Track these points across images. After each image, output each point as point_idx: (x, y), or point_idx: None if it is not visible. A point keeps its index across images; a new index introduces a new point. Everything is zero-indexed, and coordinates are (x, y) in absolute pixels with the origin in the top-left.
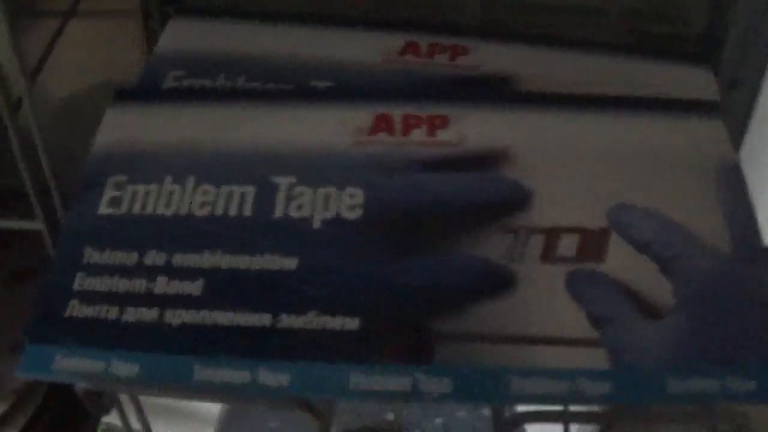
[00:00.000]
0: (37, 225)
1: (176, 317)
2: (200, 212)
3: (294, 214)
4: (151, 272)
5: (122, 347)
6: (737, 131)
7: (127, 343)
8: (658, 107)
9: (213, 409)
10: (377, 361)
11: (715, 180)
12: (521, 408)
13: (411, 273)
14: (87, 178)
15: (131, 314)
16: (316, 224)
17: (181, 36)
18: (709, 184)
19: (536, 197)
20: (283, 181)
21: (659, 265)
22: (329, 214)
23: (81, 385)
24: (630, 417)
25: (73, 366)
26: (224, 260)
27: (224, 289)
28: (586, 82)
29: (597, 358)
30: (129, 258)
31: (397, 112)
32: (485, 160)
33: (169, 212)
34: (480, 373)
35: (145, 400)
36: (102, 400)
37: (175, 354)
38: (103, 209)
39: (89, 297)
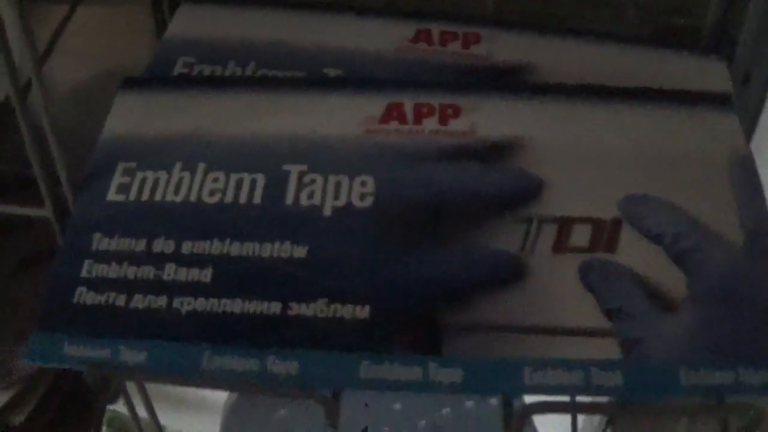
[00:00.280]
0: (46, 212)
1: (185, 305)
2: (210, 200)
3: (304, 202)
4: (160, 259)
5: (130, 334)
6: (748, 127)
7: (136, 330)
8: (672, 99)
9: (220, 398)
10: (388, 350)
11: (728, 172)
12: (528, 399)
13: (422, 262)
14: (96, 164)
15: (140, 301)
16: (327, 212)
17: (191, 22)
18: (722, 176)
19: (548, 187)
20: (293, 169)
21: (672, 257)
22: (340, 203)
23: (89, 372)
24: (640, 408)
25: (80, 353)
26: (234, 248)
27: (234, 276)
28: (598, 73)
29: (609, 349)
30: (138, 245)
31: (409, 101)
32: (497, 150)
33: (178, 199)
34: (491, 363)
35: (152, 388)
36: (109, 388)
37: (184, 341)
38: (112, 196)
39: (97, 284)
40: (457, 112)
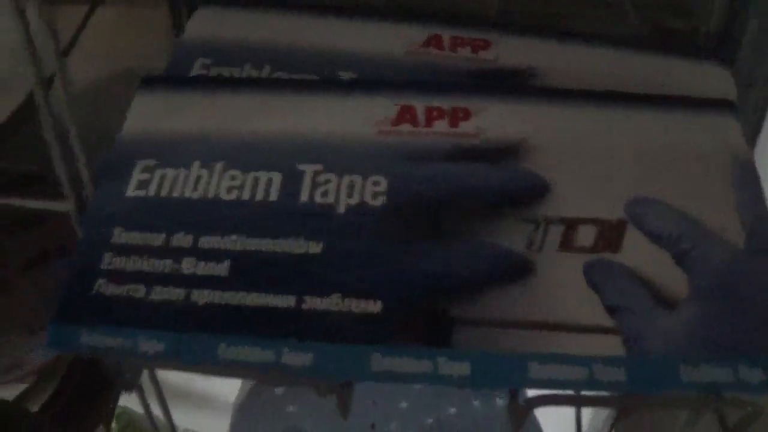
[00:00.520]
0: (67, 206)
1: (202, 297)
2: (227, 196)
3: (319, 200)
4: (178, 253)
5: (148, 325)
6: (752, 130)
7: (153, 321)
8: (675, 104)
9: (229, 395)
10: (399, 343)
11: (730, 176)
12: (531, 392)
13: (432, 259)
14: (115, 161)
15: (158, 293)
16: (341, 210)
17: (208, 24)
18: (724, 179)
19: (555, 189)
20: (308, 169)
21: (674, 257)
22: (353, 201)
23: (107, 361)
24: (641, 402)
25: (98, 342)
26: (250, 243)
27: (250, 270)
28: (604, 77)
29: (612, 346)
30: (156, 239)
31: (420, 104)
32: (506, 152)
33: (196, 195)
34: (498, 357)
35: (163, 384)
36: (126, 377)
37: (201, 333)
38: (132, 191)
39: (116, 276)
40: (466, 115)
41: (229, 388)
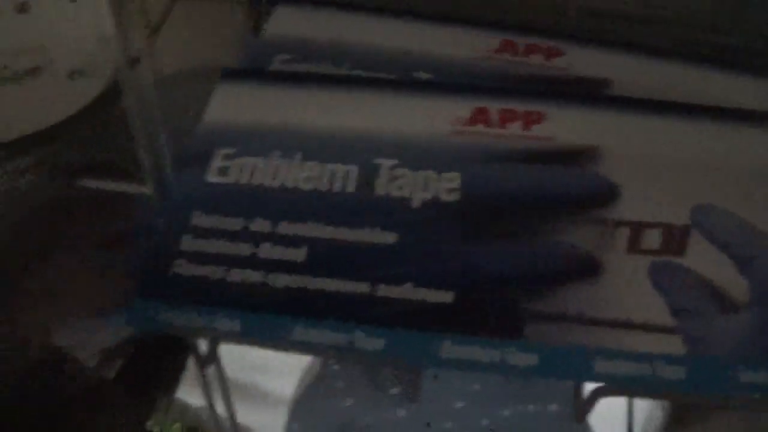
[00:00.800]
0: (147, 189)
1: (279, 280)
2: (305, 186)
3: (394, 193)
4: (256, 238)
5: (225, 304)
6: None
7: (231, 300)
8: (744, 117)
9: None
10: (469, 333)
11: None
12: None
13: (504, 254)
14: (196, 148)
15: (236, 275)
16: (416, 204)
17: (288, 22)
18: None
19: (623, 193)
20: (385, 163)
21: (736, 264)
22: (428, 195)
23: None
24: (700, 398)
25: (177, 320)
26: (327, 231)
27: (326, 257)
28: (675, 91)
29: (674, 345)
30: (235, 224)
31: (495, 106)
32: (576, 156)
33: (275, 184)
34: (565, 350)
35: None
36: (203, 354)
37: (277, 314)
38: (212, 177)
39: (195, 257)
40: (539, 119)
41: (285, 385)
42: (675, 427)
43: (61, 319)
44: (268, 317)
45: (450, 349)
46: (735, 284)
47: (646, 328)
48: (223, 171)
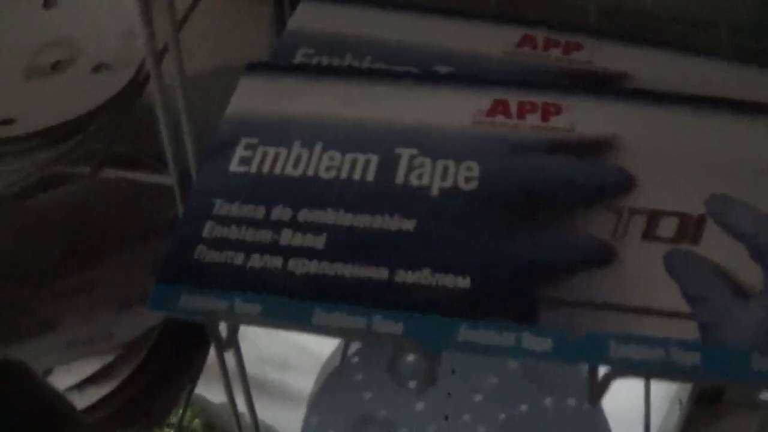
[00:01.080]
0: (170, 179)
1: (299, 266)
2: (326, 175)
3: (414, 181)
4: (277, 225)
5: (246, 289)
6: None
7: (250, 285)
8: (759, 110)
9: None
10: (485, 318)
11: None
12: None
13: (521, 241)
14: (220, 138)
15: (256, 261)
16: (434, 192)
17: (312, 17)
18: None
19: (640, 183)
20: (405, 152)
21: (752, 253)
22: (447, 184)
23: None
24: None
25: (197, 304)
26: (347, 218)
27: (345, 244)
28: (695, 85)
29: (689, 330)
30: (257, 211)
31: (514, 98)
32: (594, 147)
33: (296, 173)
34: (580, 335)
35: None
36: (222, 339)
37: (296, 298)
38: (235, 167)
39: (217, 243)
40: (558, 111)
41: (304, 379)
42: (692, 423)
43: (91, 310)
44: (288, 301)
45: (466, 333)
46: (750, 273)
47: (661, 313)
48: (245, 160)
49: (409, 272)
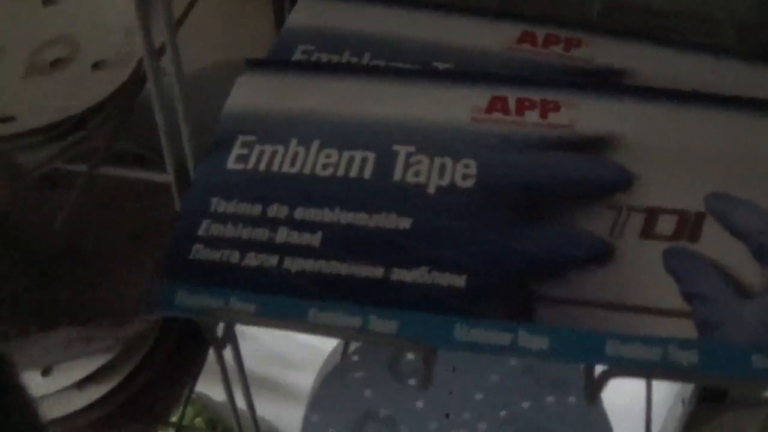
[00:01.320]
0: (168, 177)
1: (295, 264)
2: (323, 172)
3: (411, 179)
4: (274, 223)
5: (241, 287)
6: None
7: (246, 283)
8: (758, 107)
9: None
10: (481, 316)
11: None
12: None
13: (517, 239)
14: (218, 136)
15: (252, 259)
16: (431, 190)
17: (311, 14)
18: None
19: (639, 180)
20: (402, 150)
21: (752, 250)
22: (444, 182)
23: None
24: (720, 381)
25: (193, 302)
26: (343, 216)
27: (341, 242)
28: (693, 82)
29: (687, 329)
30: (253, 209)
31: (513, 95)
32: (593, 144)
33: (293, 170)
34: (576, 334)
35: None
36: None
37: (292, 297)
38: (232, 165)
39: (213, 241)
40: (556, 108)
41: (305, 377)
42: (695, 421)
43: (92, 307)
44: (284, 300)
45: (462, 331)
46: (749, 270)
47: (659, 312)
48: (243, 158)
49: (405, 270)
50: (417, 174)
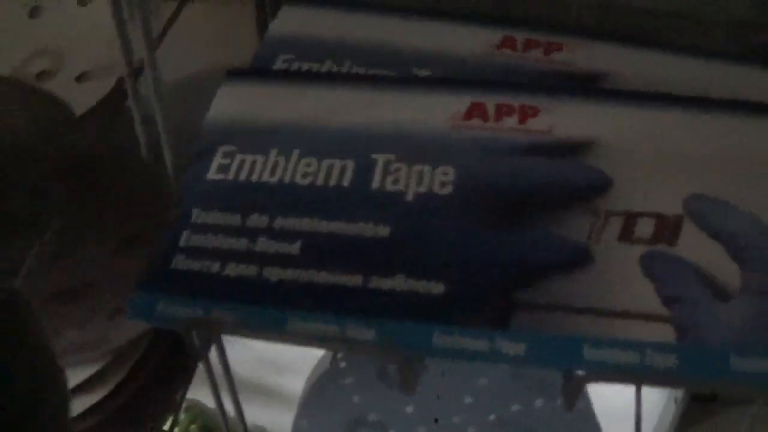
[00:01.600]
0: (149, 187)
1: (274, 274)
2: (302, 181)
3: (389, 187)
4: (253, 233)
5: (221, 297)
6: None
7: (226, 294)
8: (740, 108)
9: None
10: (459, 322)
11: None
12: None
13: (496, 245)
14: (199, 146)
15: (232, 269)
16: (410, 197)
17: (292, 22)
18: None
19: (617, 184)
20: (381, 158)
21: (730, 252)
22: (422, 189)
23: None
24: (700, 384)
25: (174, 312)
26: (322, 225)
27: (320, 250)
28: (675, 84)
29: (665, 333)
30: (233, 219)
31: (491, 101)
32: (571, 149)
33: (273, 180)
34: (553, 339)
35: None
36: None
37: (271, 306)
38: (212, 175)
39: (194, 252)
40: (535, 113)
41: (295, 381)
42: (687, 421)
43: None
44: (263, 309)
45: (440, 338)
46: (727, 273)
47: (637, 316)
48: (223, 168)
49: (383, 278)
50: (396, 182)
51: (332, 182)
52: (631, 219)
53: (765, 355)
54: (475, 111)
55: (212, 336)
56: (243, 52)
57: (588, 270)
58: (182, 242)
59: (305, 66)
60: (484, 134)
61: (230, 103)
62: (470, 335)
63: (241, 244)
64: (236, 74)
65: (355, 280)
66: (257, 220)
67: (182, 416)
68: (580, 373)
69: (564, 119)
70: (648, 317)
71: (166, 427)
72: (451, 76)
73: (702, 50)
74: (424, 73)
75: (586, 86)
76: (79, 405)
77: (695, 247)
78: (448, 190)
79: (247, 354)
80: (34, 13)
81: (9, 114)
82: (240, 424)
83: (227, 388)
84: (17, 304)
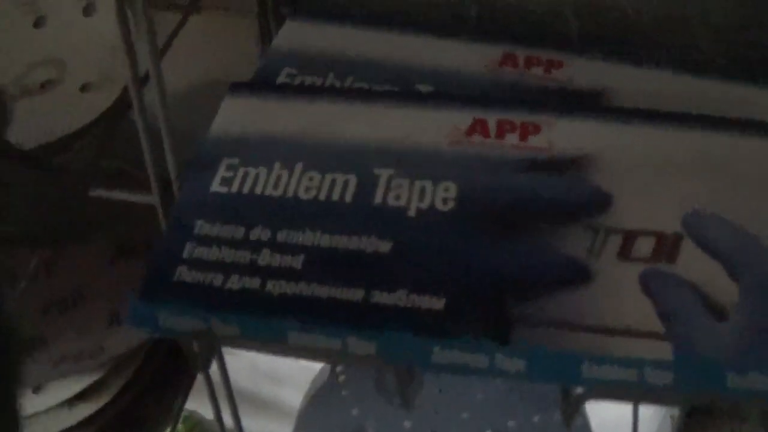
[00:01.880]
0: (153, 199)
1: (276, 287)
2: (305, 195)
3: (391, 202)
4: (256, 246)
5: (223, 309)
6: None
7: (228, 306)
8: (739, 126)
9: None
10: (459, 338)
11: None
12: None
13: (496, 261)
14: (202, 158)
15: (234, 282)
16: (411, 213)
17: (296, 37)
18: None
19: (617, 201)
20: (383, 173)
21: (728, 270)
22: (424, 205)
23: (183, 341)
24: (697, 401)
25: (175, 323)
26: (324, 239)
27: (322, 265)
28: (674, 101)
29: (663, 350)
30: (236, 232)
31: (493, 117)
32: (571, 166)
33: (276, 193)
34: (553, 355)
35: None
36: (197, 360)
37: (273, 319)
38: (216, 187)
39: (197, 264)
40: (536, 130)
41: (294, 394)
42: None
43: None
44: (265, 322)
45: (440, 353)
46: (726, 290)
47: (635, 333)
48: (226, 181)
49: (385, 293)
50: (398, 197)
51: (335, 197)
52: (630, 237)
53: (762, 372)
54: (477, 127)
55: (214, 348)
56: (245, 65)
57: (588, 287)
58: (186, 254)
59: (308, 80)
60: (486, 151)
61: (234, 116)
62: (470, 350)
63: (243, 256)
64: (240, 87)
65: (356, 294)
66: (260, 233)
67: (180, 427)
68: (578, 390)
69: (564, 136)
70: (646, 335)
71: None
72: (452, 92)
73: (697, 67)
74: (426, 89)
75: (587, 103)
76: (77, 414)
77: (694, 265)
78: (450, 206)
79: (246, 366)
80: (38, 22)
81: None
82: None
83: (226, 399)
84: None
